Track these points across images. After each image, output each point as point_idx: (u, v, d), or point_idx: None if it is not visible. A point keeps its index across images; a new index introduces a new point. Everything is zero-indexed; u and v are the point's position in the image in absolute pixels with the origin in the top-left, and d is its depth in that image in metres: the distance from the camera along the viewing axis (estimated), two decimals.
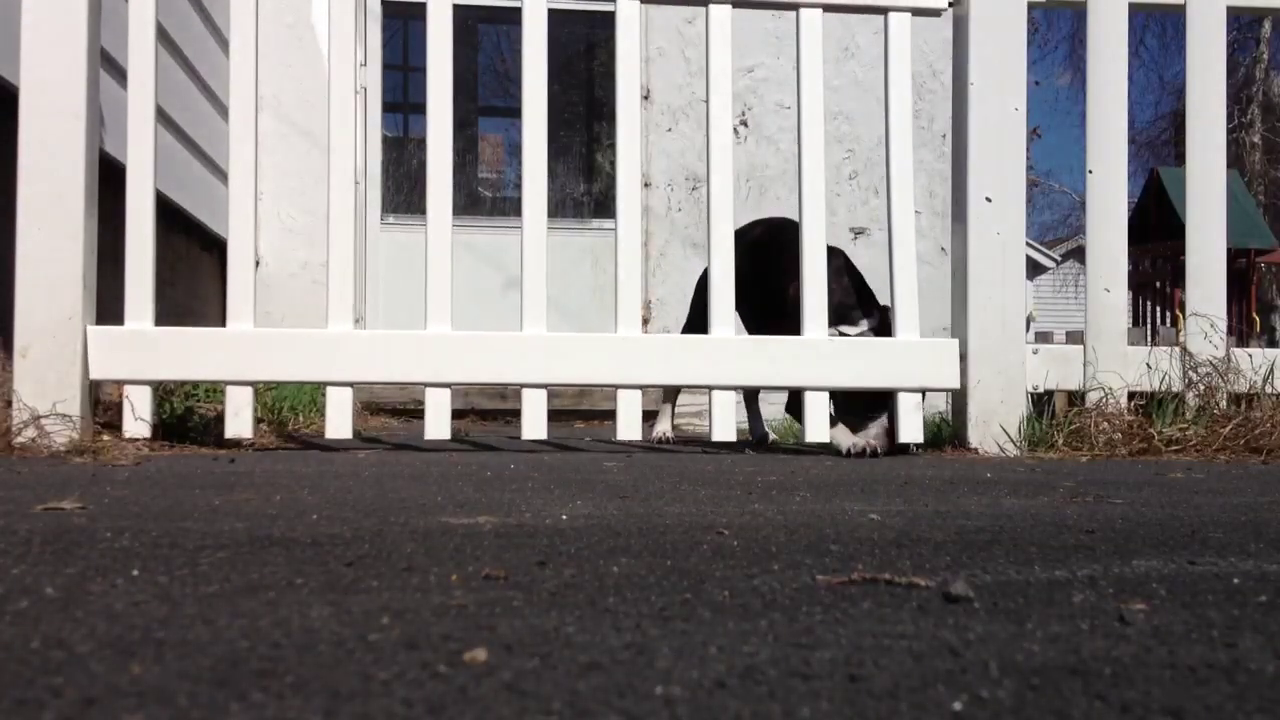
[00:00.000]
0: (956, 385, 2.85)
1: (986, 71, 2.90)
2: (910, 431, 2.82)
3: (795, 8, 2.94)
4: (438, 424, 2.74)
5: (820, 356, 2.82)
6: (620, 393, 2.80)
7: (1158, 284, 12.29)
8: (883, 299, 3.03)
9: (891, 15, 2.95)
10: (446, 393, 2.75)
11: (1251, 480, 2.11)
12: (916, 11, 2.98)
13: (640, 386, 2.81)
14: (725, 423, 2.82)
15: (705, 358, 2.81)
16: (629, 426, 2.80)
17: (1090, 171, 3.00)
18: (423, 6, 2.81)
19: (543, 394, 2.78)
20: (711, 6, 2.90)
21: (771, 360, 2.82)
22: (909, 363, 2.84)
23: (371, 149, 6.34)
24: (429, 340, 2.73)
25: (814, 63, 2.93)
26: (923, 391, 2.85)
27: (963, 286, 2.91)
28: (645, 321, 6.00)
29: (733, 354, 2.82)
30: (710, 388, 2.82)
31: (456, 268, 2.83)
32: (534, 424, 2.78)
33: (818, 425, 2.83)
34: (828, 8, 2.95)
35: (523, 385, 2.76)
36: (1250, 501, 1.70)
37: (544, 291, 2.79)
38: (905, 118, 2.94)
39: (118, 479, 1.88)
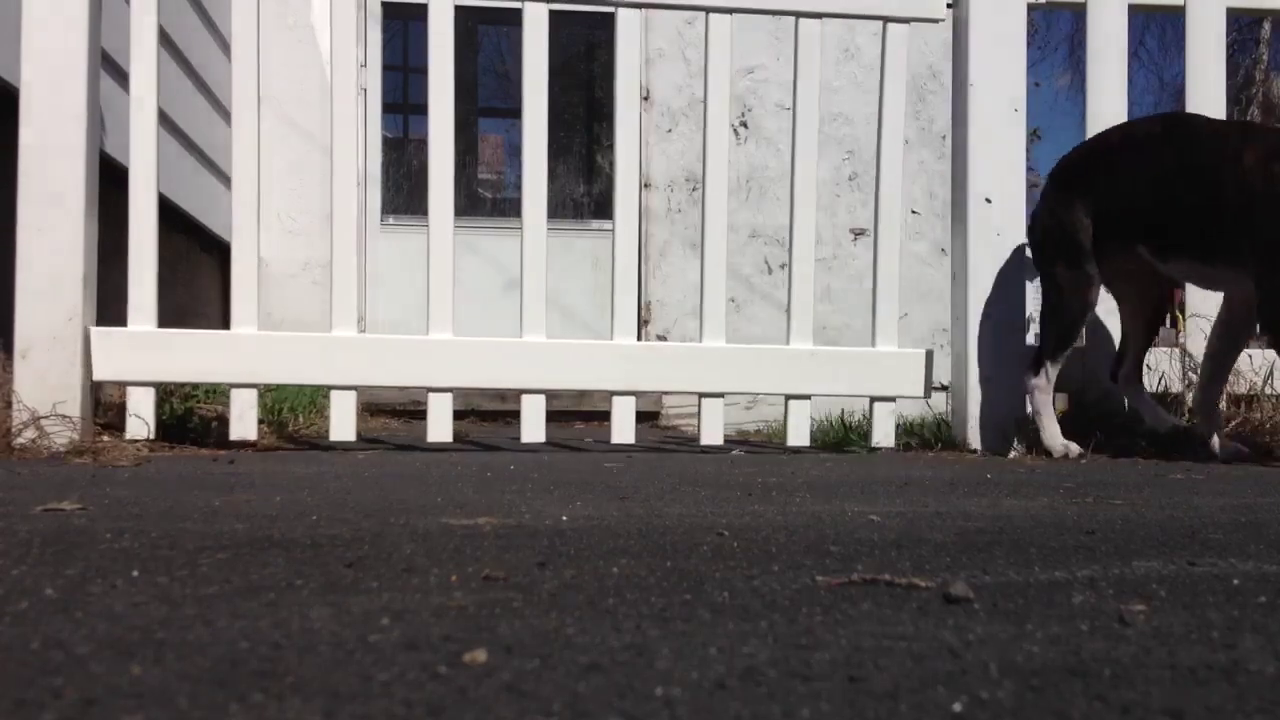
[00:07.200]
0: (921, 394, 2.98)
1: (986, 71, 2.90)
2: (881, 436, 2.97)
3: (795, 15, 2.95)
4: (440, 426, 2.80)
5: (799, 365, 2.92)
6: (615, 398, 2.88)
7: None
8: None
9: (890, 27, 2.97)
10: (448, 396, 2.81)
11: (1251, 480, 2.11)
12: (915, 20, 3.00)
13: (636, 393, 2.88)
14: (713, 427, 2.91)
15: (698, 365, 2.89)
16: (623, 430, 2.88)
17: None
18: (423, 7, 2.82)
19: (541, 398, 2.85)
20: (712, 16, 2.91)
21: (758, 367, 2.92)
22: (884, 374, 2.96)
23: (372, 150, 6.34)
24: (431, 346, 2.78)
25: (811, 66, 2.96)
26: (895, 399, 2.96)
27: (963, 287, 2.91)
28: (645, 323, 6.01)
29: (724, 361, 2.89)
30: (701, 395, 2.89)
31: (457, 269, 2.85)
32: (533, 427, 2.84)
33: (796, 429, 2.96)
34: (824, 15, 2.98)
35: (522, 391, 2.83)
36: (1250, 502, 1.70)
37: (543, 298, 2.85)
38: (897, 134, 2.99)
39: (118, 480, 1.88)
